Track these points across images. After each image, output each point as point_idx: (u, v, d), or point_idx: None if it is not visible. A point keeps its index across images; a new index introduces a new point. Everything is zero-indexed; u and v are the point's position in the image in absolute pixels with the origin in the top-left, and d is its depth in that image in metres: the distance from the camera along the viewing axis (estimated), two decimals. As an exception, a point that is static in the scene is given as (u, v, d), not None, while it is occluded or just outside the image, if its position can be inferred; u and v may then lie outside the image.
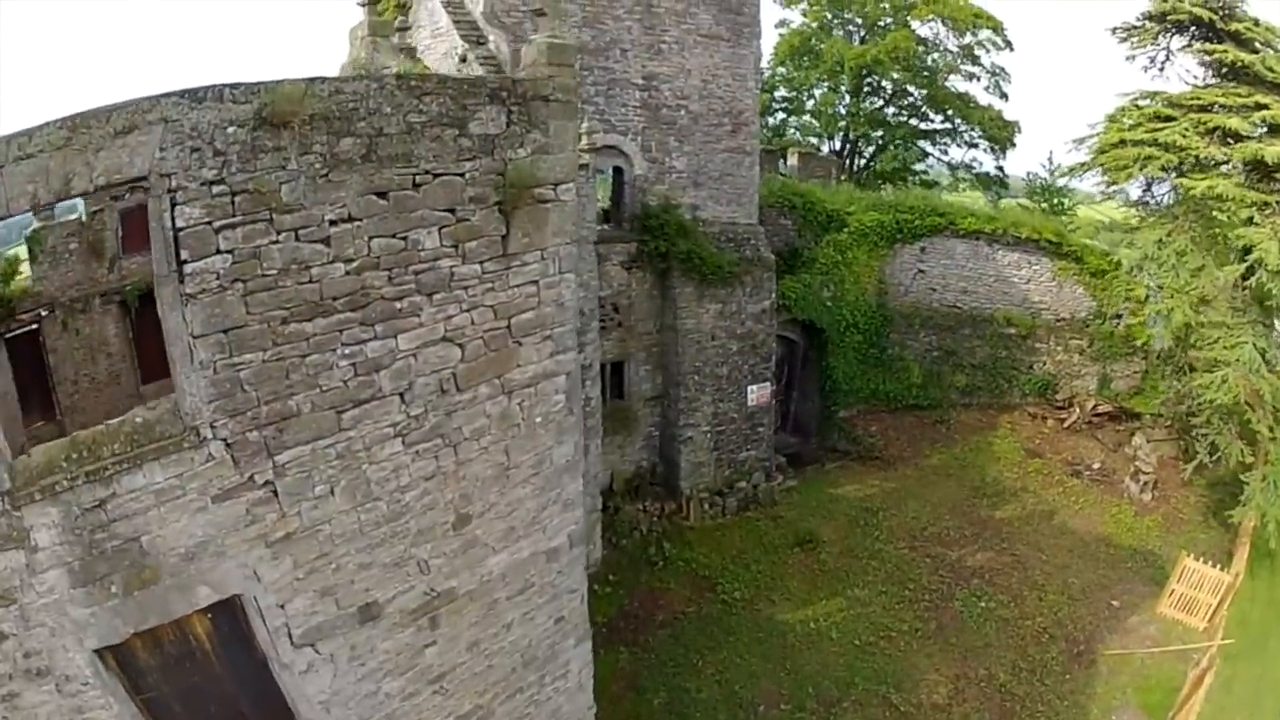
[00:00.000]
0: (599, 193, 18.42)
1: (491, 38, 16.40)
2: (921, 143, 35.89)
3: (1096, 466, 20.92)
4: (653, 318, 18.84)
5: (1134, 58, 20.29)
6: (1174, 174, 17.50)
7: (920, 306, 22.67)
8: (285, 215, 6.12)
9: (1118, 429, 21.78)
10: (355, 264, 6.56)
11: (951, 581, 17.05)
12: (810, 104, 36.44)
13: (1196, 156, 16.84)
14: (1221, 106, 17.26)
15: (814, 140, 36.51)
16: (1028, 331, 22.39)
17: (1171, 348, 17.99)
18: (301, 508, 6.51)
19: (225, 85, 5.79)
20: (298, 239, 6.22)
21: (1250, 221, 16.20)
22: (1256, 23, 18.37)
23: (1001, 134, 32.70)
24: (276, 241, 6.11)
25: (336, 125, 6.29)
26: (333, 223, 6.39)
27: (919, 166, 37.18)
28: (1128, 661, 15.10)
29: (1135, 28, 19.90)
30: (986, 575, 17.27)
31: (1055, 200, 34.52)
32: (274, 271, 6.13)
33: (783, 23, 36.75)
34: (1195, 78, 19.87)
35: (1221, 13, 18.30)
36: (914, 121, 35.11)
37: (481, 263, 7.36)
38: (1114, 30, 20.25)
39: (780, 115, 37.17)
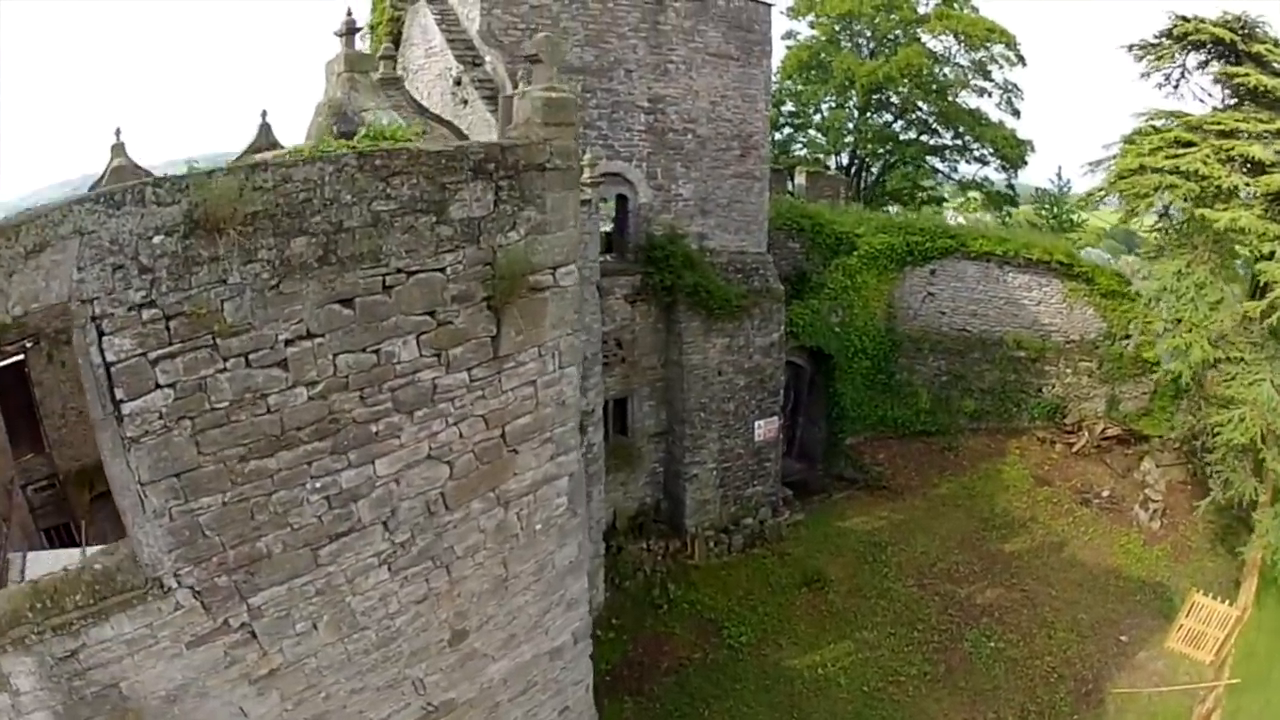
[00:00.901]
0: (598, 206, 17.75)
1: (488, 58, 15.70)
2: (931, 159, 35.04)
3: (1105, 494, 20.52)
4: (657, 352, 18.18)
5: (1149, 75, 19.84)
6: (1193, 203, 16.95)
7: (929, 330, 22.18)
8: (231, 338, 5.35)
9: (1126, 452, 21.34)
10: (319, 387, 5.79)
11: (961, 621, 16.70)
12: (817, 119, 35.58)
13: (1218, 186, 16.34)
14: (1242, 132, 16.73)
15: (820, 156, 35.70)
16: (1037, 354, 21.87)
17: (1187, 382, 17.55)
18: (283, 645, 6.08)
19: (147, 183, 4.98)
20: (249, 365, 5.46)
21: (1271, 255, 15.75)
22: (1277, 44, 17.85)
23: (1014, 153, 31.95)
24: (224, 369, 5.36)
25: (285, 223, 5.42)
26: (289, 342, 5.60)
27: (927, 183, 36.38)
28: (1135, 700, 14.80)
29: (1153, 45, 19.39)
30: (996, 613, 16.93)
31: (1063, 216, 33.87)
32: (225, 404, 5.40)
33: (790, 34, 35.95)
34: (1211, 96, 19.43)
35: (1242, 34, 17.78)
36: (923, 138, 34.27)
37: (469, 369, 6.60)
38: (1130, 48, 19.76)
39: (787, 130, 36.32)
